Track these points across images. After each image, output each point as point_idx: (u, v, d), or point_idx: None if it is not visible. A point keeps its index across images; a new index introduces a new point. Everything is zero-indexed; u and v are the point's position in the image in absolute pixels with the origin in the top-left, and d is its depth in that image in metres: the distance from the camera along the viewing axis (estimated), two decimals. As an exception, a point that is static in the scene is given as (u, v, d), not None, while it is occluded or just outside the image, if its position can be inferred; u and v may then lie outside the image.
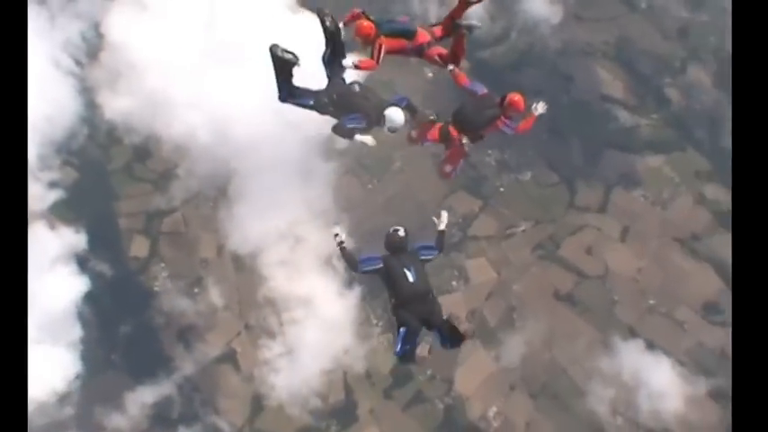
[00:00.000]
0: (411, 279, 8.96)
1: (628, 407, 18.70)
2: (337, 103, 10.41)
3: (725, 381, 18.75)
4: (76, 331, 18.52)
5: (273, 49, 10.08)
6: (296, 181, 17.10)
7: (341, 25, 10.80)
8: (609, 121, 21.34)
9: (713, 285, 19.93)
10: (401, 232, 9.43)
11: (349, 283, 18.52)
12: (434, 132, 11.01)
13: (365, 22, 10.69)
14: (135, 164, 20.31)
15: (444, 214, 9.99)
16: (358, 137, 10.47)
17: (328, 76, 10.78)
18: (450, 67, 11.21)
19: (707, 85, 21.96)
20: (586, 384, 18.88)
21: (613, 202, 20.57)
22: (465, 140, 11.02)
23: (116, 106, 19.33)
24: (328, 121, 10.83)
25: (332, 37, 10.51)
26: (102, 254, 19.38)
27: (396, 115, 10.26)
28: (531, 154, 20.67)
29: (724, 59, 22.40)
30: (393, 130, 10.48)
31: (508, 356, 19.13)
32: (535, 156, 20.67)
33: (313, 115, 10.92)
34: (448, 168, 11.76)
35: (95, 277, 19.09)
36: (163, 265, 19.65)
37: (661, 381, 18.73)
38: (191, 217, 19.83)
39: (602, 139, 21.16)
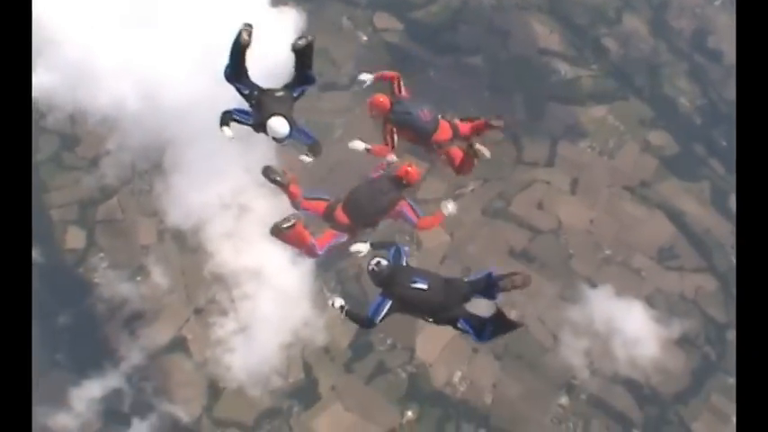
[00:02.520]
0: (424, 286, 8.25)
1: (602, 356, 18.40)
2: (257, 98, 9.78)
3: (689, 324, 18.82)
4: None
5: (246, 24, 9.38)
6: (235, 146, 16.13)
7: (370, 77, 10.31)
8: (549, 74, 21.21)
9: (666, 231, 19.90)
10: (383, 261, 8.52)
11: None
12: (319, 206, 9.83)
13: (381, 98, 9.97)
14: (64, 152, 19.32)
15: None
16: (224, 129, 9.81)
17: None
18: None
19: (643, 33, 22.05)
20: (550, 340, 18.49)
21: (560, 155, 20.37)
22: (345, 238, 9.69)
23: (35, 84, 18.15)
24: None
25: (300, 55, 9.80)
26: (37, 248, 18.22)
27: (276, 126, 9.43)
28: (474, 112, 20.06)
29: (658, 7, 22.54)
30: (278, 141, 9.72)
31: (468, 319, 18.57)
32: (478, 114, 20.10)
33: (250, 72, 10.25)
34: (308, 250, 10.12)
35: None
36: (102, 255, 18.65)
37: (635, 326, 18.50)
38: (127, 202, 18.92)
39: (544, 93, 21.00)
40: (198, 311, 18.22)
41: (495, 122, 10.36)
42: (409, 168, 9.18)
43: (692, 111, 21.11)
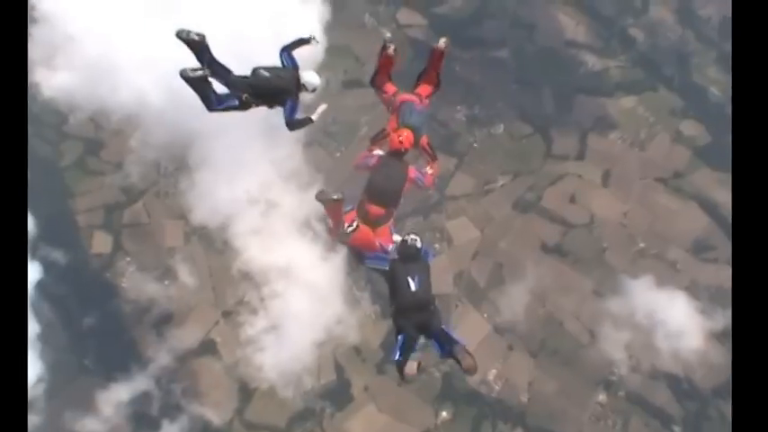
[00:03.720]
0: (413, 287, 8.43)
1: (643, 349, 18.08)
2: (259, 93, 9.57)
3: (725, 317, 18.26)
4: (33, 328, 17.11)
5: (184, 73, 9.16)
6: (261, 140, 15.93)
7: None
8: (577, 66, 20.82)
9: (701, 222, 19.41)
10: (418, 243, 8.89)
11: (333, 246, 17.38)
12: (351, 216, 9.95)
13: (405, 133, 9.91)
14: (88, 157, 19.20)
15: None
16: (314, 116, 9.69)
17: (225, 84, 9.87)
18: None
19: (670, 23, 21.61)
20: (586, 336, 18.13)
21: (591, 147, 19.98)
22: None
23: (55, 83, 18.04)
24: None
25: (201, 50, 9.58)
26: (62, 253, 18.13)
27: (312, 77, 9.53)
28: (501, 106, 20.00)
29: (683, -4, 22.23)
30: (315, 90, 9.74)
31: (502, 316, 18.28)
32: (505, 107, 20.00)
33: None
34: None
35: (57, 277, 17.90)
36: (128, 259, 18.49)
37: (679, 318, 18.18)
38: (152, 205, 18.77)
39: (573, 85, 20.60)
40: (227, 313, 18.00)
41: (437, 46, 10.32)
42: (401, 138, 9.38)
43: (722, 99, 20.57)
